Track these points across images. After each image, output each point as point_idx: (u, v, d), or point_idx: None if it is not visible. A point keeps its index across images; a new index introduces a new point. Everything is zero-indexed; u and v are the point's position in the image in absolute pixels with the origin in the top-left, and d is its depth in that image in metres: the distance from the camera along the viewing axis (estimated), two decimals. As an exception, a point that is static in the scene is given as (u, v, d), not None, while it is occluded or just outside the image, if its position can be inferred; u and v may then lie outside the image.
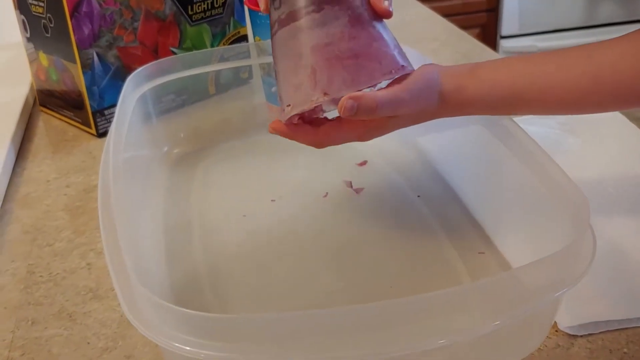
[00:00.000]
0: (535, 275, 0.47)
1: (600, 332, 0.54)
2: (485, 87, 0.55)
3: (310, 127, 0.57)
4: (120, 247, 0.48)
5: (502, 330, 0.47)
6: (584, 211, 0.49)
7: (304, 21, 0.54)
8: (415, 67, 0.56)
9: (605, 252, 0.58)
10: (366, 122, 0.56)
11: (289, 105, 0.55)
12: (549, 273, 0.47)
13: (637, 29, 0.53)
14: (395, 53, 0.55)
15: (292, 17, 0.54)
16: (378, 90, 0.54)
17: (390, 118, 0.56)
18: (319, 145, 0.58)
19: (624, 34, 0.53)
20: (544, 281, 0.47)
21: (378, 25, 0.55)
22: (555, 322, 0.55)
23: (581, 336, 0.54)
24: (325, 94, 0.52)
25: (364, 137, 0.58)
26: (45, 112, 0.98)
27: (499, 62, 0.57)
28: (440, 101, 0.56)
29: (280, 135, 0.59)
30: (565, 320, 0.54)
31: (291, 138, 0.58)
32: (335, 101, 0.54)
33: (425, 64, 0.57)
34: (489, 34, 2.37)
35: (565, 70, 0.54)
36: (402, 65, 0.54)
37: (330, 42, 0.53)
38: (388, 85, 0.55)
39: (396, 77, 0.54)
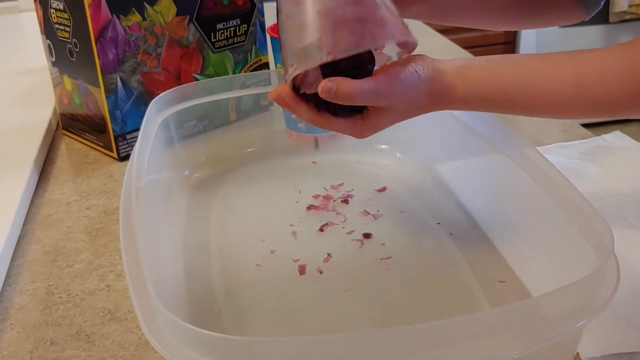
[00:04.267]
0: (557, 303, 0.46)
1: (624, 364, 0.53)
2: (474, 90, 0.56)
3: (312, 107, 0.58)
4: (142, 268, 0.48)
5: (523, 359, 0.47)
6: (608, 239, 0.49)
7: None
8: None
9: (628, 281, 0.58)
10: (363, 117, 0.58)
11: (293, 65, 0.56)
12: (571, 302, 0.46)
13: (622, 42, 0.54)
14: (399, 21, 0.56)
15: None
16: (362, 79, 0.55)
17: (382, 114, 0.57)
18: (315, 124, 0.59)
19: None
20: (566, 310, 0.46)
21: None
22: (577, 352, 0.54)
23: (603, 367, 0.53)
24: (329, 54, 0.54)
25: (360, 132, 0.59)
26: (68, 136, 0.99)
27: (489, 63, 0.57)
28: (428, 98, 0.57)
29: (281, 105, 0.59)
30: (588, 351, 0.54)
31: (291, 109, 0.59)
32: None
33: (416, 55, 0.58)
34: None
35: (555, 79, 0.55)
36: (405, 32, 0.55)
37: (336, 6, 0.54)
38: (374, 74, 0.56)
39: (400, 40, 0.56)
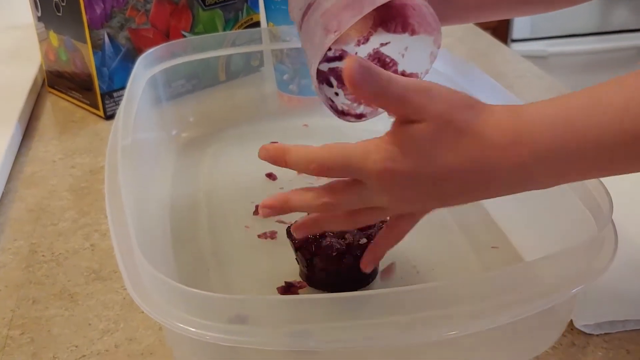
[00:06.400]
0: (552, 269, 0.45)
1: (617, 332, 0.53)
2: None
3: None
4: (127, 227, 0.47)
5: (516, 325, 0.46)
6: (606, 206, 0.48)
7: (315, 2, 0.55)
8: None
9: (625, 249, 0.57)
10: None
11: (311, 63, 0.55)
12: (566, 268, 0.45)
13: None
14: None
15: (309, 5, 0.56)
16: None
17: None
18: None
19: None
20: (561, 276, 0.45)
21: None
22: (571, 319, 0.53)
23: (597, 335, 0.52)
24: (335, 32, 0.52)
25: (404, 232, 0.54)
26: (54, 94, 0.97)
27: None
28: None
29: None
30: (582, 318, 0.53)
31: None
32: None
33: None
34: (500, 37, 2.33)
35: None
36: None
37: (335, 2, 0.53)
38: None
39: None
